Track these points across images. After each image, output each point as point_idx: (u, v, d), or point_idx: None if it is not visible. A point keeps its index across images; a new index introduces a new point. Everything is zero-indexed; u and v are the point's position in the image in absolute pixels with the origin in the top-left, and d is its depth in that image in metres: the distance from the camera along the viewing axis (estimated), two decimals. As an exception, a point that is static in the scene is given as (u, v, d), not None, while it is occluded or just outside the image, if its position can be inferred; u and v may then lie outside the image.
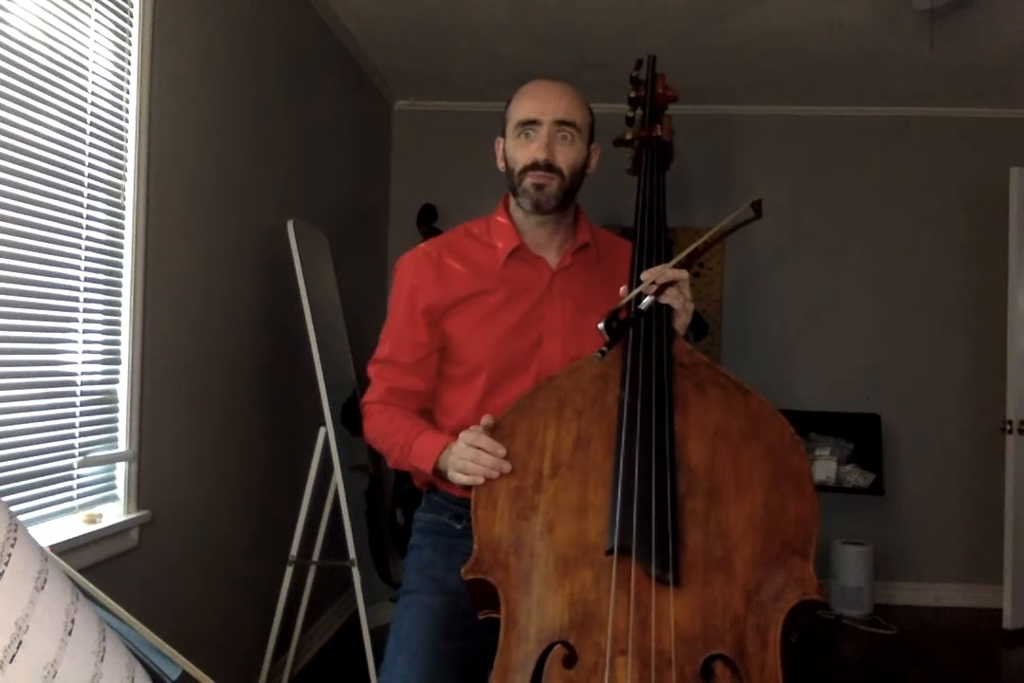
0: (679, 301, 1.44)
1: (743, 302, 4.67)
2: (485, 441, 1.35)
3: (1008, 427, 4.12)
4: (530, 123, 1.54)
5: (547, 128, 1.53)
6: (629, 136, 1.65)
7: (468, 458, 1.35)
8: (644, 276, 1.42)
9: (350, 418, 3.10)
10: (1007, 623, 4.11)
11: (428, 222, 4.25)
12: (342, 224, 3.84)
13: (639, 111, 1.65)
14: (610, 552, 1.23)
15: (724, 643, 1.18)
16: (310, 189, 3.46)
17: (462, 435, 1.39)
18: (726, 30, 3.57)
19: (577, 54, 3.88)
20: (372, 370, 1.66)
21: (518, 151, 1.56)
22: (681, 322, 1.46)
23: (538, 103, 1.55)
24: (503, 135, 1.62)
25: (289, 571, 2.90)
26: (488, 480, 1.34)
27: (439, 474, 1.47)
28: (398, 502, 4.21)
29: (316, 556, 3.15)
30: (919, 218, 4.63)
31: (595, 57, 3.87)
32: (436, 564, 1.56)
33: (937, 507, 4.56)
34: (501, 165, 1.63)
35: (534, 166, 1.53)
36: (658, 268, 1.43)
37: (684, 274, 1.45)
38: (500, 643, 1.22)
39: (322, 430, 2.91)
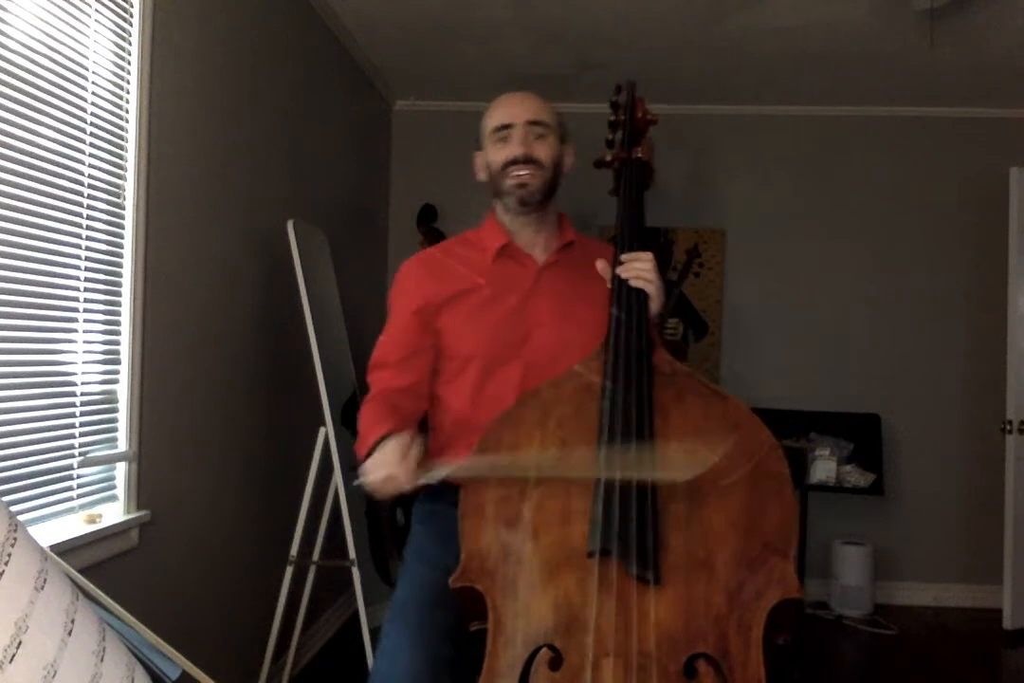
0: (652, 286, 1.50)
1: (743, 302, 4.67)
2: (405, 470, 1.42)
3: (1008, 427, 4.12)
4: (504, 128, 1.65)
5: (521, 128, 1.64)
6: (609, 158, 1.68)
7: (380, 477, 1.43)
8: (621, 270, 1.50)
9: (350, 418, 3.10)
10: (1007, 623, 4.11)
11: (428, 222, 4.24)
12: (342, 224, 3.84)
13: (619, 134, 1.69)
14: (592, 554, 1.24)
15: (706, 642, 1.19)
16: (310, 189, 3.46)
17: (393, 444, 1.45)
18: (726, 30, 3.57)
19: (577, 54, 3.88)
20: (371, 373, 1.74)
21: (496, 154, 1.67)
22: (654, 306, 1.51)
23: (508, 109, 1.68)
24: (480, 149, 1.72)
25: (289, 571, 2.90)
26: (476, 490, 1.38)
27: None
28: (398, 502, 4.21)
29: (316, 556, 3.15)
30: (919, 218, 4.63)
31: (595, 57, 3.87)
32: (434, 548, 1.60)
33: (937, 507, 4.56)
34: (482, 176, 1.73)
35: (513, 162, 1.64)
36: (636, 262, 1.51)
37: (649, 255, 1.52)
38: (488, 649, 1.24)
39: (322, 430, 2.91)
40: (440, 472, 1.41)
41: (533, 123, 1.65)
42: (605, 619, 1.19)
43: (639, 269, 1.49)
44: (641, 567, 1.22)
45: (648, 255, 1.51)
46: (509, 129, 1.65)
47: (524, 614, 1.25)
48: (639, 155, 1.66)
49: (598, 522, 1.26)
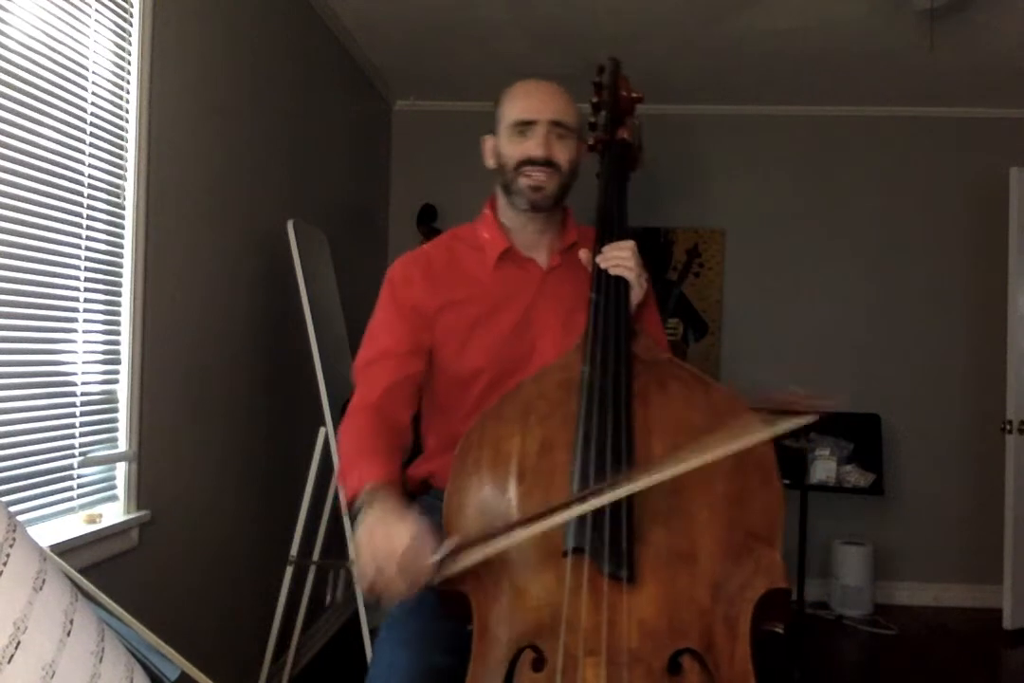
0: (632, 274, 1.47)
1: (743, 302, 4.67)
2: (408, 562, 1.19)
3: (1008, 427, 4.12)
4: (526, 123, 1.55)
5: (543, 127, 1.54)
6: (591, 141, 1.63)
7: (377, 563, 1.20)
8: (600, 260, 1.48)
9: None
10: (1007, 623, 4.11)
11: (428, 222, 4.25)
12: (342, 224, 3.84)
13: (602, 115, 1.64)
14: (566, 554, 1.22)
15: (690, 637, 1.16)
16: (310, 189, 3.46)
17: (382, 536, 1.21)
18: (726, 30, 3.57)
19: (577, 54, 3.87)
20: (364, 372, 1.56)
21: (513, 148, 1.56)
22: (635, 295, 1.47)
23: (533, 103, 1.57)
24: (492, 133, 1.63)
25: (289, 571, 2.90)
26: (458, 488, 1.33)
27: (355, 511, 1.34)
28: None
29: (316, 556, 3.15)
30: (919, 218, 4.63)
31: (595, 57, 3.86)
32: None
33: (937, 507, 4.56)
34: (491, 162, 1.63)
35: (530, 162, 1.54)
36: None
37: (629, 243, 1.48)
38: (473, 652, 1.21)
39: (322, 430, 2.91)
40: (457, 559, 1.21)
41: (556, 123, 1.55)
42: (584, 618, 1.16)
43: (619, 257, 1.45)
44: (614, 565, 1.19)
45: (629, 243, 1.47)
46: (531, 125, 1.55)
47: (508, 615, 1.22)
48: (623, 136, 1.60)
49: (572, 519, 1.22)
